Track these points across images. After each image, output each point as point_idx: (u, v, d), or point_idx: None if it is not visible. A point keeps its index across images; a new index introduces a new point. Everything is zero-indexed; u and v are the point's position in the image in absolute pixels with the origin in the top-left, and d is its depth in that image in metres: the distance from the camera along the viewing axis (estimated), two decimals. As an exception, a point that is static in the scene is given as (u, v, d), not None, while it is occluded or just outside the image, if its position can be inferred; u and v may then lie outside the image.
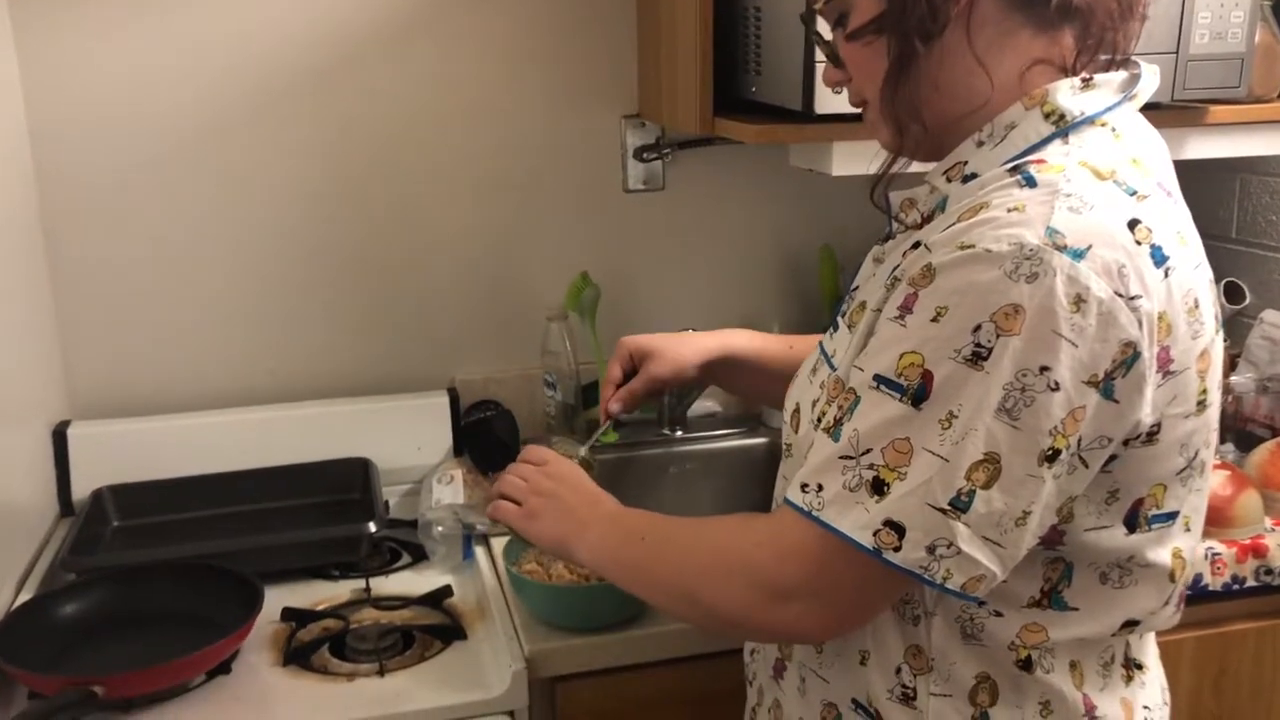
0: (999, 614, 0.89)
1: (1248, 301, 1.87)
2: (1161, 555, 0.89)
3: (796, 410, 1.00)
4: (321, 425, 1.71)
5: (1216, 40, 1.46)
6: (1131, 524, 0.86)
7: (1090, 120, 0.87)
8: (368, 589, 1.44)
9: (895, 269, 0.88)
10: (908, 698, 0.92)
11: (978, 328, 0.77)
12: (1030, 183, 0.82)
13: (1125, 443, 0.82)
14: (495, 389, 1.83)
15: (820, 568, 0.83)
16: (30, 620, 1.30)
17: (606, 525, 1.02)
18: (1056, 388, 0.77)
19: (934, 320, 0.79)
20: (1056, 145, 0.86)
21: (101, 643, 1.30)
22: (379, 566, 1.52)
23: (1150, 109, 1.49)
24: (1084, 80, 0.88)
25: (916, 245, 0.87)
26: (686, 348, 1.29)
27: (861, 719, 0.96)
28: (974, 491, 0.78)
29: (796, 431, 0.99)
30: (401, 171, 1.77)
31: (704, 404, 1.87)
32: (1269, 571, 1.44)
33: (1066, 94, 0.87)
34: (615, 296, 1.83)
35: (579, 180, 1.84)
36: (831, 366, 0.95)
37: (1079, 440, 0.79)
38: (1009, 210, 0.80)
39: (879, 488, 0.80)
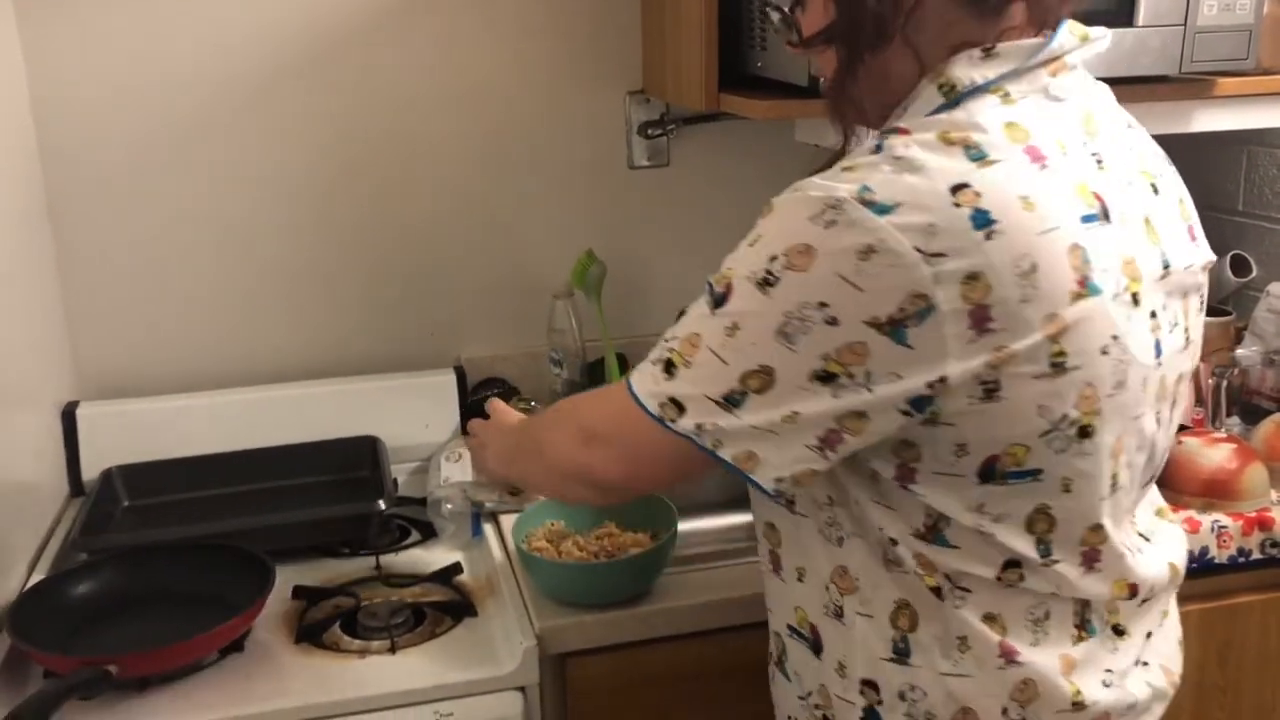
0: (894, 541, 0.94)
1: (1254, 274, 1.86)
2: (1021, 507, 0.91)
3: None
4: (330, 404, 1.71)
5: (1225, 12, 1.45)
6: (986, 476, 0.90)
7: (983, 88, 0.90)
8: (378, 567, 1.45)
9: None
10: (838, 614, 0.99)
11: (774, 258, 0.86)
12: (878, 148, 0.88)
13: (930, 384, 0.85)
14: (502, 367, 1.84)
15: (622, 419, 0.95)
16: (43, 600, 1.30)
17: (498, 435, 1.23)
18: (834, 322, 0.84)
19: (750, 245, 0.90)
20: (940, 115, 0.90)
21: (114, 622, 1.31)
22: (389, 544, 1.52)
23: (1158, 81, 1.50)
24: (985, 50, 0.91)
25: None
26: None
27: (798, 642, 1.04)
28: (746, 394, 0.88)
29: None
30: (406, 149, 1.77)
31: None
32: (1275, 544, 1.45)
33: (963, 65, 0.91)
34: (621, 273, 1.83)
35: (584, 157, 1.84)
36: None
37: (867, 374, 0.85)
38: (843, 169, 0.87)
39: (669, 368, 0.92)
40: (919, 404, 0.86)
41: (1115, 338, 0.88)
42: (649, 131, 1.83)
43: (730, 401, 0.88)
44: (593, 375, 1.80)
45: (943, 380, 0.85)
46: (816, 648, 1.02)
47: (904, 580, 0.95)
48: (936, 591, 0.94)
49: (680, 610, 1.31)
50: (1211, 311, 1.81)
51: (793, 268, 0.85)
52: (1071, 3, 0.94)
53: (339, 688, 1.21)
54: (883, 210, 0.83)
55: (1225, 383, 1.63)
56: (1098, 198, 0.89)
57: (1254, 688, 1.51)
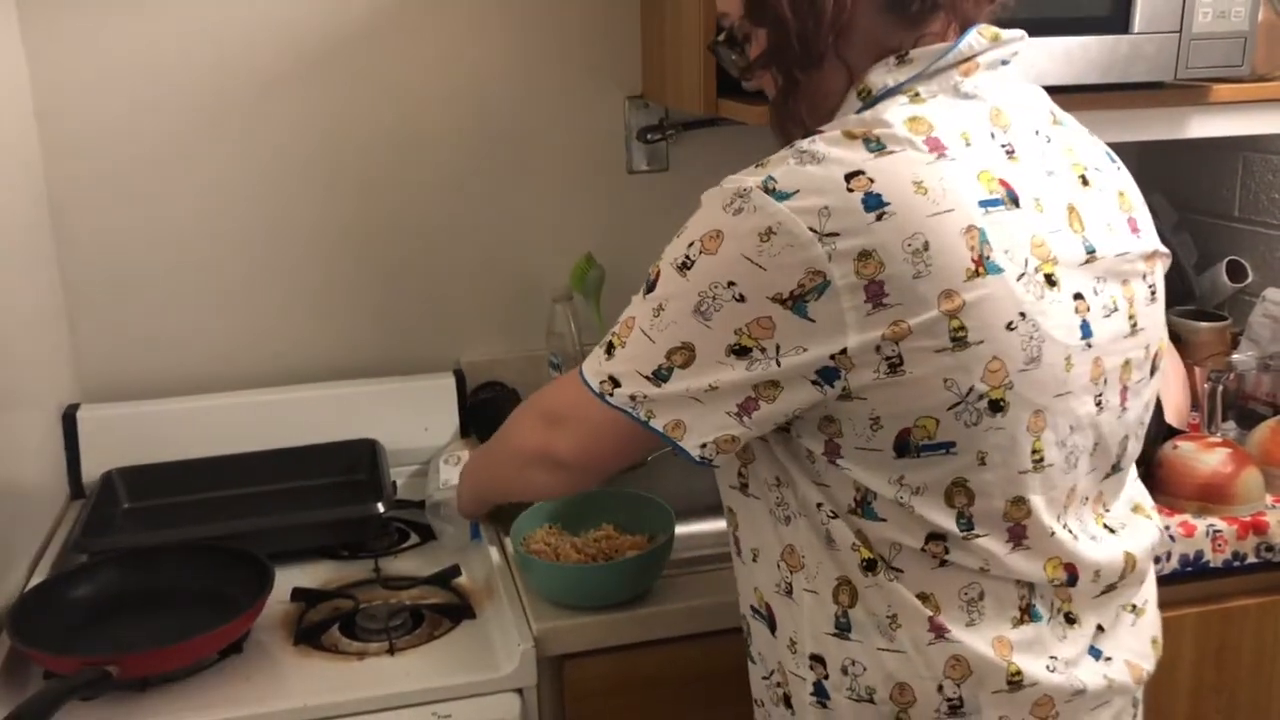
0: (834, 515, 0.99)
1: (1250, 279, 1.87)
2: (938, 479, 0.95)
3: None
4: (329, 407, 1.72)
5: (1219, 19, 1.46)
6: (901, 450, 0.94)
7: (896, 90, 0.97)
8: (377, 569, 1.46)
9: None
10: (788, 591, 1.04)
11: (691, 244, 0.95)
12: (789, 145, 0.96)
13: (832, 356, 0.91)
14: (501, 370, 1.84)
15: (575, 399, 1.04)
16: (44, 601, 1.31)
17: (468, 465, 1.32)
18: (741, 299, 0.92)
19: (678, 236, 0.98)
20: (852, 115, 0.97)
21: (114, 623, 1.31)
22: (387, 547, 1.53)
23: (1153, 88, 1.51)
24: (899, 56, 0.97)
25: None
26: None
27: (758, 622, 1.10)
28: (672, 369, 0.96)
29: None
30: (406, 153, 1.77)
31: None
32: (1270, 548, 1.46)
33: (879, 71, 0.98)
34: (620, 277, 1.83)
35: (583, 161, 1.84)
36: None
37: (776, 347, 0.92)
38: (757, 165, 0.96)
39: (609, 350, 1.01)
40: (827, 375, 0.92)
41: (1023, 315, 0.92)
42: (648, 136, 1.84)
43: (658, 376, 0.97)
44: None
45: (844, 352, 0.91)
46: (772, 625, 1.07)
47: (840, 557, 0.99)
48: (870, 566, 0.98)
49: (678, 612, 1.32)
50: (1207, 317, 1.82)
51: (705, 251, 0.94)
52: (989, 8, 1.01)
53: (337, 689, 1.21)
54: (782, 197, 0.91)
55: (1221, 387, 1.64)
56: (1004, 184, 0.93)
57: (1249, 691, 1.51)
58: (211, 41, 1.67)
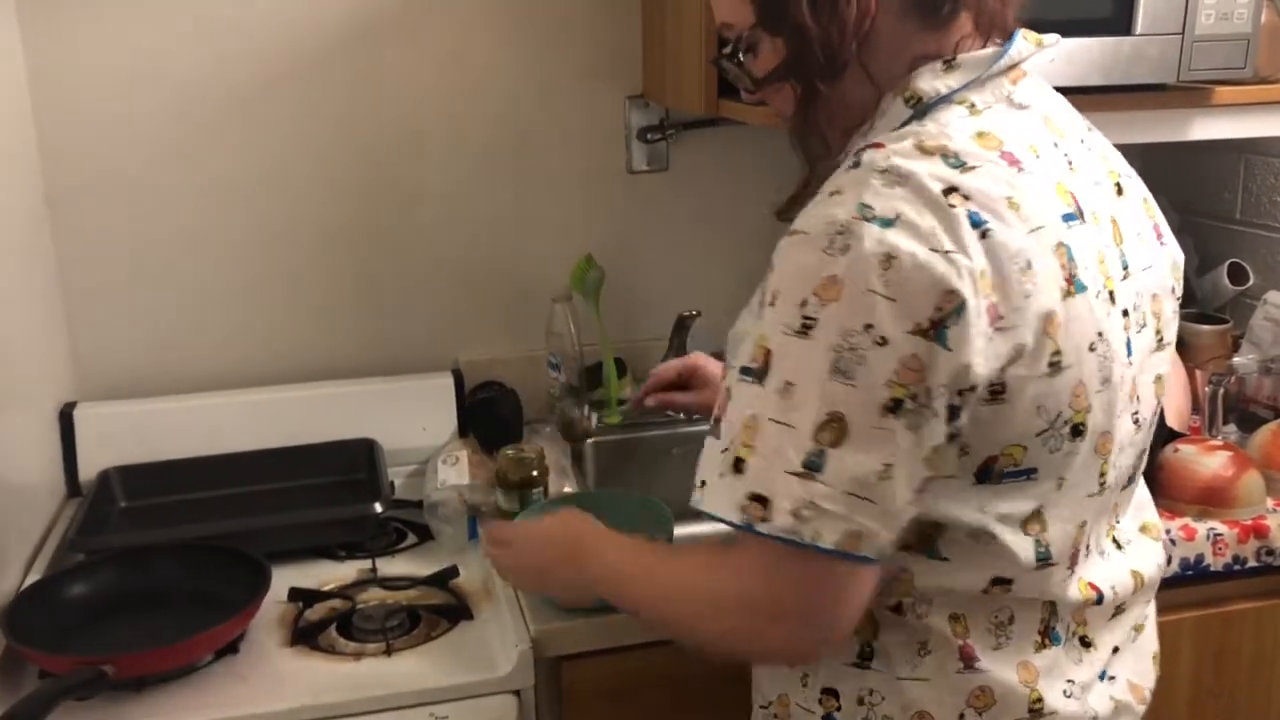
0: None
1: (1251, 282, 1.87)
2: (1019, 507, 0.91)
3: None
4: (327, 406, 1.72)
5: (1222, 21, 1.45)
6: (983, 477, 0.89)
7: (948, 99, 0.91)
8: (374, 569, 1.45)
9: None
10: None
11: (803, 302, 0.83)
12: (856, 165, 0.88)
13: (960, 392, 0.84)
14: (500, 370, 1.84)
15: (712, 560, 0.91)
16: (39, 600, 1.30)
17: (574, 574, 1.10)
18: (884, 342, 0.81)
19: (771, 304, 0.86)
20: (911, 126, 0.90)
21: (110, 623, 1.31)
22: (385, 547, 1.52)
23: (1155, 89, 1.50)
24: (946, 62, 0.92)
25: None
26: None
27: None
28: (824, 451, 0.82)
29: None
30: (406, 152, 1.77)
31: (707, 385, 1.87)
32: (1270, 552, 1.45)
33: (927, 78, 0.92)
34: (619, 278, 1.83)
35: (583, 161, 1.84)
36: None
37: (927, 390, 0.82)
38: (830, 194, 0.87)
39: (738, 466, 0.85)
40: (954, 412, 0.85)
41: (1100, 334, 0.89)
42: (648, 136, 1.84)
43: (811, 466, 0.82)
44: (590, 379, 1.81)
45: (973, 388, 0.84)
46: None
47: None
48: (897, 606, 0.94)
49: (676, 614, 1.31)
50: (1208, 319, 1.82)
51: (826, 302, 0.83)
52: (1015, 8, 0.96)
53: (334, 690, 1.21)
54: (886, 223, 0.83)
55: (1222, 390, 1.63)
56: (1073, 197, 0.91)
57: (1248, 695, 1.51)
58: (211, 41, 1.66)
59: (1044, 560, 0.93)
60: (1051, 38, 0.97)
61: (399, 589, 1.41)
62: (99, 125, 1.66)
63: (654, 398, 1.45)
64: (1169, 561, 1.42)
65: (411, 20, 1.73)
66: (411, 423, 1.73)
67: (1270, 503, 1.48)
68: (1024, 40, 0.94)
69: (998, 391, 0.86)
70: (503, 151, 1.81)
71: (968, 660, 0.94)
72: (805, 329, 0.83)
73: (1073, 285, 0.87)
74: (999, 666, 0.95)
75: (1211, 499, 1.46)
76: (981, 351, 0.83)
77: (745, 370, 0.86)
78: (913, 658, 0.95)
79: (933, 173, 0.85)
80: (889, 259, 0.81)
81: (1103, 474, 0.94)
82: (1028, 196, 0.87)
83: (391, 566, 1.47)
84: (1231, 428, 1.67)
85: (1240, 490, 1.46)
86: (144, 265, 1.72)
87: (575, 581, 1.11)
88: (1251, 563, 1.45)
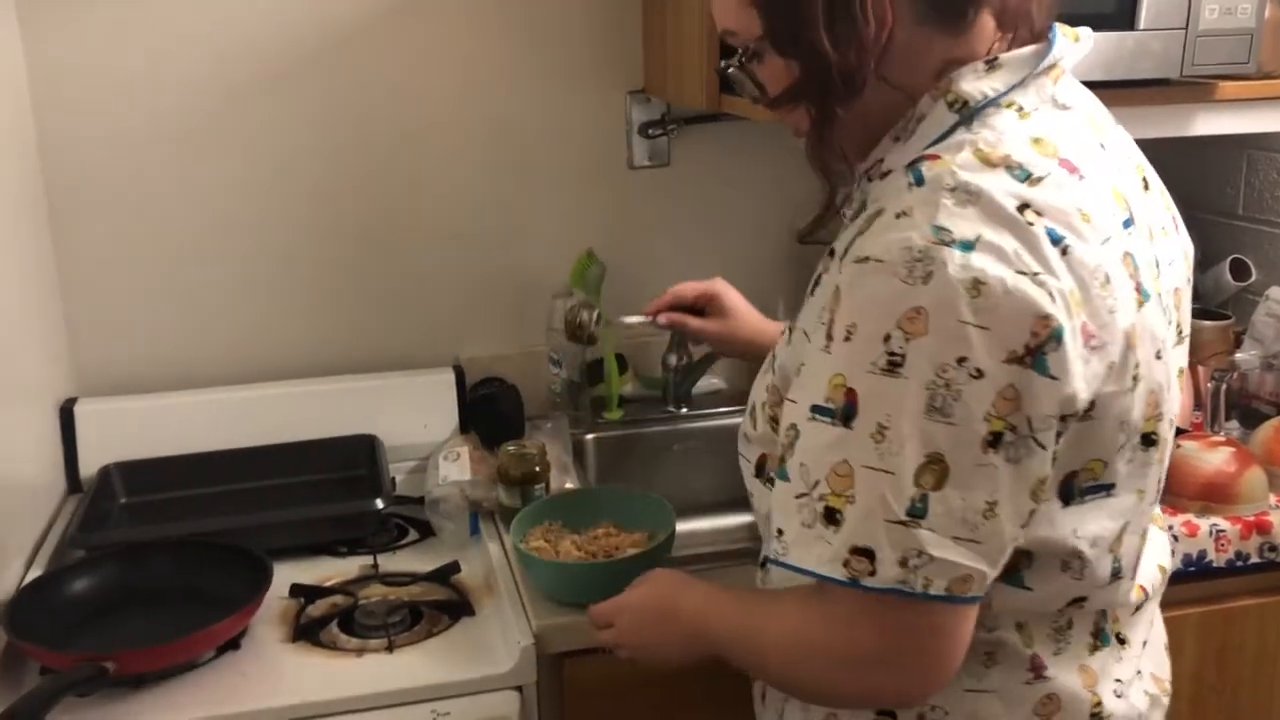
0: None
1: (1253, 278, 1.86)
2: (1105, 527, 0.90)
3: (753, 407, 1.03)
4: (328, 402, 1.71)
5: (1226, 15, 1.45)
6: (1066, 497, 0.87)
7: (995, 102, 0.87)
8: (375, 565, 1.45)
9: (818, 276, 0.93)
10: None
11: (887, 337, 0.79)
12: (919, 181, 0.83)
13: (1063, 418, 0.82)
14: (501, 366, 1.83)
15: (864, 627, 0.84)
16: (40, 597, 1.30)
17: (688, 649, 1.06)
18: (979, 374, 0.78)
19: (847, 340, 0.81)
20: (959, 134, 0.86)
21: (111, 619, 1.31)
22: (386, 543, 1.52)
23: (1158, 85, 1.50)
24: (988, 63, 0.88)
25: (832, 253, 0.91)
26: (748, 331, 1.38)
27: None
28: (926, 496, 0.79)
29: (755, 429, 1.02)
30: (407, 150, 1.77)
31: (709, 381, 1.87)
32: (1273, 548, 1.45)
33: (970, 80, 0.88)
34: (620, 274, 1.82)
35: (584, 157, 1.83)
36: (774, 370, 0.99)
37: (1028, 421, 0.79)
38: (897, 216, 0.82)
39: (831, 517, 0.81)
40: (1056, 439, 0.82)
41: (1162, 340, 0.88)
42: (649, 131, 1.83)
43: (914, 514, 0.79)
44: (591, 375, 1.80)
45: (1075, 413, 0.82)
46: None
47: None
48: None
49: (678, 611, 1.31)
50: (1211, 315, 1.82)
51: (913, 335, 0.78)
52: (1038, 2, 0.92)
53: (336, 686, 1.21)
54: (967, 246, 0.78)
55: (1224, 386, 1.63)
56: (1126, 201, 0.89)
57: (1251, 691, 1.51)
58: (211, 39, 1.66)
59: (1116, 574, 0.92)
60: (1085, 31, 0.94)
61: (400, 585, 1.40)
62: (98, 122, 1.65)
63: (666, 316, 1.41)
64: (1171, 555, 1.42)
65: (411, 16, 1.72)
66: (413, 419, 1.73)
67: (1273, 499, 1.48)
68: (1063, 37, 0.91)
69: (1088, 410, 0.84)
70: (504, 147, 1.80)
71: (1037, 670, 0.93)
72: (893, 366, 0.79)
73: (1141, 295, 0.85)
74: (1063, 673, 0.93)
75: (1214, 495, 1.45)
76: (1082, 375, 0.80)
77: (820, 410, 0.82)
78: (979, 669, 0.92)
79: (1003, 188, 0.81)
80: (977, 285, 0.77)
81: (1160, 480, 0.94)
82: (1094, 206, 0.84)
83: (393, 563, 1.47)
84: (1234, 424, 1.67)
85: (1243, 486, 1.46)
86: (143, 261, 1.71)
87: (691, 653, 1.07)
88: (1254, 559, 1.45)
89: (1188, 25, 1.45)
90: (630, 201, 1.87)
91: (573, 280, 1.77)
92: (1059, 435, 0.82)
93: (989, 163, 0.83)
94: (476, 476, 1.56)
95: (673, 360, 1.79)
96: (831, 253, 0.92)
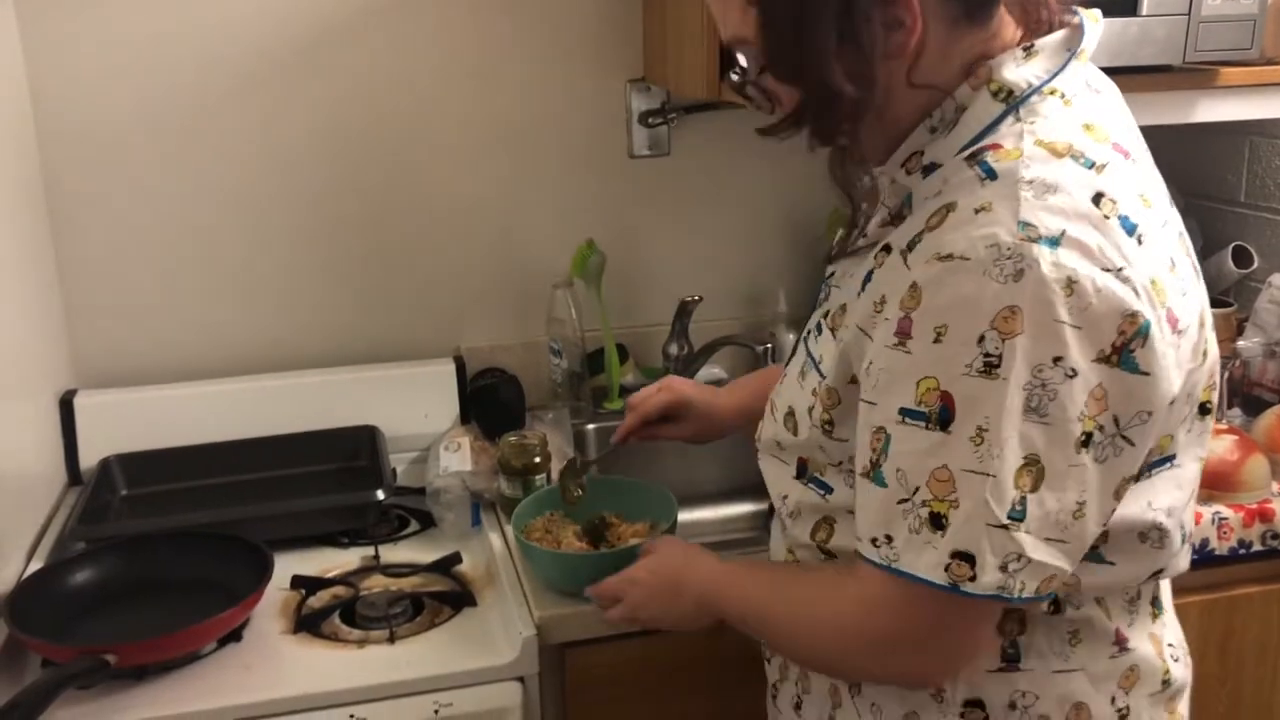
0: None
1: (1255, 265, 1.86)
2: (1175, 496, 0.91)
3: (790, 413, 1.00)
4: (329, 393, 1.71)
5: (1229, 1, 1.44)
6: (1138, 473, 0.87)
7: (1039, 90, 0.86)
8: (377, 556, 1.45)
9: (869, 274, 0.89)
10: None
11: (981, 338, 0.78)
12: (990, 175, 0.82)
13: (1151, 412, 0.83)
14: (501, 356, 1.83)
15: (909, 614, 0.85)
16: (41, 589, 1.30)
17: (698, 617, 1.07)
18: (1074, 374, 0.77)
19: (936, 341, 0.80)
20: (1009, 123, 0.85)
21: (112, 611, 1.31)
22: (387, 534, 1.52)
23: (1161, 71, 1.49)
24: (1025, 49, 0.88)
25: (887, 249, 0.88)
26: (723, 417, 1.35)
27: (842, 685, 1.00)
28: (1025, 498, 0.79)
29: (795, 434, 0.99)
30: (406, 138, 1.76)
31: (710, 371, 1.86)
32: (1275, 536, 1.45)
33: (1010, 68, 0.87)
34: (621, 263, 1.82)
35: (583, 146, 1.83)
36: (820, 374, 0.95)
37: (1115, 420, 0.79)
38: (976, 211, 0.80)
39: (937, 522, 0.80)
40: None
41: (1204, 314, 0.90)
42: (649, 120, 1.83)
43: (1014, 516, 0.79)
44: (592, 365, 1.80)
45: (1171, 402, 0.82)
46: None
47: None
48: (1055, 603, 0.92)
49: (680, 601, 1.31)
50: (1213, 303, 1.80)
51: (1008, 336, 0.77)
52: None
53: (337, 678, 1.21)
54: (1053, 242, 0.78)
55: (1227, 374, 1.63)
56: (1161, 181, 0.90)
57: (1254, 678, 1.51)
58: (209, 30, 1.65)
59: (1183, 541, 0.94)
60: (1097, 12, 0.93)
61: (402, 576, 1.40)
62: (96, 114, 1.65)
63: (637, 437, 1.38)
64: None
65: (410, 5, 1.71)
66: (413, 409, 1.73)
67: (1275, 486, 1.48)
68: (1089, 19, 0.91)
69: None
70: (503, 136, 1.79)
71: (1121, 643, 0.94)
72: (989, 368, 0.78)
73: (1196, 271, 0.87)
74: (1141, 643, 0.95)
75: (1217, 483, 1.45)
76: (1174, 363, 0.81)
77: (910, 413, 0.81)
78: (1064, 649, 0.92)
79: (1077, 179, 0.81)
80: (1070, 284, 0.77)
81: (1207, 448, 0.95)
82: (1150, 190, 0.85)
83: (394, 553, 1.47)
84: (1236, 412, 1.66)
85: (1245, 474, 1.46)
86: (143, 253, 1.71)
87: (700, 621, 1.08)
88: (1257, 546, 1.45)
89: (1190, 10, 1.44)
90: (630, 190, 1.86)
91: (573, 270, 1.77)
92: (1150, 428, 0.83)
93: (1056, 152, 0.82)
94: (477, 467, 1.56)
95: (673, 350, 1.79)
96: (887, 248, 0.88)
